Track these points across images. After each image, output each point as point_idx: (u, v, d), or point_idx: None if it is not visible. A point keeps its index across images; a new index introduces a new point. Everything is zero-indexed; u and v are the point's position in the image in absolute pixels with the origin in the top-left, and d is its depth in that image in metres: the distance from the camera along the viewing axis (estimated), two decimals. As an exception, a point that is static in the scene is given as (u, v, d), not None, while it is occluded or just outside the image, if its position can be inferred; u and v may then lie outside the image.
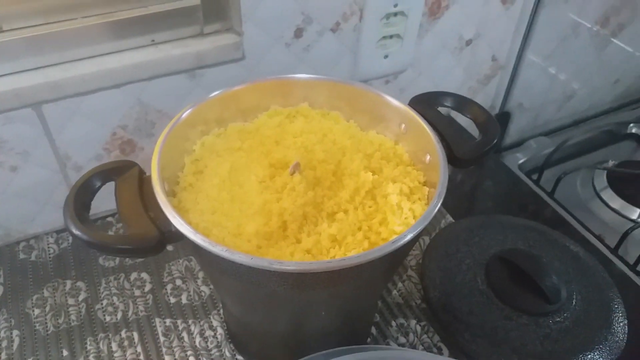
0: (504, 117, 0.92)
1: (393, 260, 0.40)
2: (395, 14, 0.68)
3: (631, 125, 0.99)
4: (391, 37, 0.70)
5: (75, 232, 0.37)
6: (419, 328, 0.58)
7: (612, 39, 0.95)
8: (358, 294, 0.42)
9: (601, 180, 0.87)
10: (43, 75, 0.54)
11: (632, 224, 0.75)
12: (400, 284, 0.62)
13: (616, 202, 0.83)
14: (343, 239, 0.40)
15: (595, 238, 0.71)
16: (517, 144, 0.94)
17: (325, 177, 0.45)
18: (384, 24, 0.68)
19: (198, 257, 0.42)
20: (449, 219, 0.70)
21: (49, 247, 0.64)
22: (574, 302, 0.58)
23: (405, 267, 0.64)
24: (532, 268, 0.59)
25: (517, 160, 0.88)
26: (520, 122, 0.95)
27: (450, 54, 0.78)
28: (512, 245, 0.64)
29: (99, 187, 0.41)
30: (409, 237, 0.36)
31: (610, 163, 0.88)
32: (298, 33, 0.63)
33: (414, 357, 0.40)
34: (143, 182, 0.41)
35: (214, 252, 0.35)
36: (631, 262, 0.69)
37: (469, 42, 0.79)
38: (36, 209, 0.63)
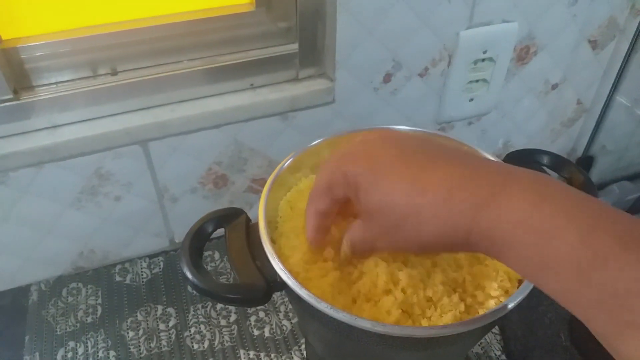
0: (588, 161, 0.90)
1: (491, 326, 0.41)
2: (484, 60, 0.69)
3: None
4: (477, 81, 0.71)
5: (191, 278, 0.40)
6: (498, 380, 0.57)
7: None
8: (453, 353, 0.43)
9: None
10: (152, 115, 0.58)
11: None
12: (485, 336, 0.62)
13: None
14: (438, 301, 0.41)
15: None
16: (599, 188, 0.91)
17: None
18: (471, 69, 0.69)
19: (299, 308, 0.43)
20: (529, 266, 0.69)
21: (142, 272, 0.68)
22: (664, 367, 0.56)
23: (484, 315, 0.63)
24: (619, 327, 0.58)
25: (599, 205, 0.85)
26: (602, 165, 0.93)
27: (535, 97, 0.78)
28: (597, 301, 0.62)
29: (211, 233, 0.44)
30: (509, 307, 0.36)
31: (701, 213, 0.84)
32: (387, 78, 0.65)
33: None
34: (250, 229, 0.44)
35: (318, 308, 0.37)
36: None
37: (554, 86, 0.78)
38: (132, 235, 0.68)
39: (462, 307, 0.40)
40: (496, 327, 0.62)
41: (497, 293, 0.41)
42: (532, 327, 0.59)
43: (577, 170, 0.48)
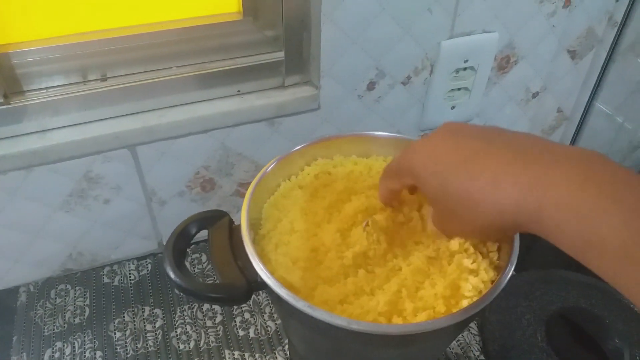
0: (568, 168, 0.92)
1: (464, 324, 0.42)
2: (465, 69, 0.71)
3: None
4: (459, 89, 0.73)
5: (174, 278, 0.41)
6: (476, 380, 0.59)
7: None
8: (427, 350, 0.44)
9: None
10: (141, 120, 0.60)
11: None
12: (459, 335, 0.63)
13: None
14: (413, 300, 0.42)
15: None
16: (580, 194, 0.93)
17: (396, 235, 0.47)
18: (453, 77, 0.71)
19: (279, 307, 0.45)
20: (509, 270, 0.71)
21: (130, 273, 0.69)
22: (637, 367, 0.58)
23: (464, 317, 0.65)
24: (594, 329, 0.60)
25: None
26: (583, 171, 0.95)
27: (516, 105, 0.80)
28: (574, 303, 0.64)
29: (194, 234, 0.45)
30: (481, 306, 0.38)
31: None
32: (370, 86, 0.67)
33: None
34: (232, 231, 0.45)
35: (296, 307, 0.38)
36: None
37: (535, 95, 0.80)
38: (121, 238, 0.69)
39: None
40: (475, 328, 0.64)
41: (471, 294, 0.42)
42: (510, 328, 0.61)
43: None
